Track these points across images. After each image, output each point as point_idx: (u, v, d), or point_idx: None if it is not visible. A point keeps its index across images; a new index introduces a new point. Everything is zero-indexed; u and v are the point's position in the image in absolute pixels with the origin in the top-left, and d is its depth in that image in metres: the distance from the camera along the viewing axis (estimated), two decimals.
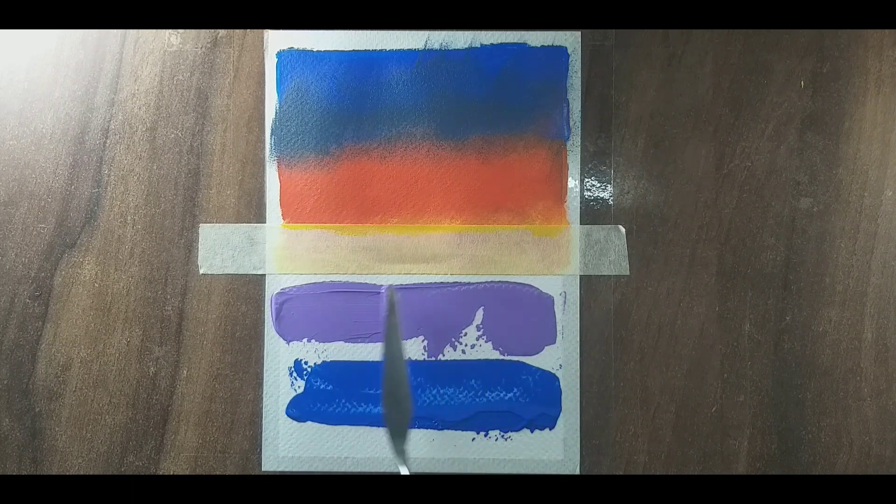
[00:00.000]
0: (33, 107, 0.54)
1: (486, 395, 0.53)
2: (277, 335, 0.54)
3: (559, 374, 0.53)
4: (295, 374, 0.54)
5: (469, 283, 0.54)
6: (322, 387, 0.54)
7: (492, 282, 0.53)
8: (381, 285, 0.53)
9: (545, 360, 0.53)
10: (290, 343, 0.54)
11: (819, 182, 0.53)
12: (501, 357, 0.53)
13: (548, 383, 0.53)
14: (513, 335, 0.53)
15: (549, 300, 0.53)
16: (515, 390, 0.53)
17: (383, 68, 0.54)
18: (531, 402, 0.53)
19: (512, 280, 0.53)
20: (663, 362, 0.53)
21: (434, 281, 0.54)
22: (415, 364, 0.53)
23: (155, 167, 0.54)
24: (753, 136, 0.54)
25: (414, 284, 0.54)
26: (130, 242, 0.54)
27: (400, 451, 0.49)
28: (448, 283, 0.54)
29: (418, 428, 0.53)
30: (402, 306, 0.53)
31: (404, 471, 0.48)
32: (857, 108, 0.53)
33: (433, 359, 0.54)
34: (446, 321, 0.54)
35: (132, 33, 0.54)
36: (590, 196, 0.54)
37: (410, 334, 0.54)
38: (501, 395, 0.53)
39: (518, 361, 0.53)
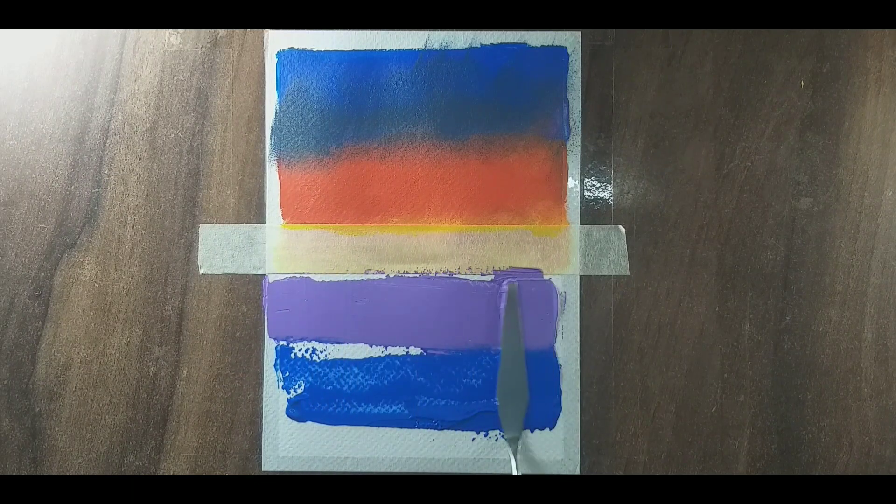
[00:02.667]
0: (33, 107, 0.54)
1: (487, 395, 0.53)
2: (277, 335, 0.54)
3: (559, 374, 0.53)
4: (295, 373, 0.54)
5: (468, 281, 0.53)
6: (322, 387, 0.54)
7: (492, 280, 0.53)
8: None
9: (545, 359, 0.53)
10: (291, 343, 0.54)
11: (819, 182, 0.53)
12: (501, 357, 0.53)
13: (548, 383, 0.53)
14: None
15: (549, 300, 0.53)
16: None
17: (383, 68, 0.54)
18: (531, 402, 0.53)
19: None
20: (663, 362, 0.53)
21: (433, 279, 0.54)
22: (415, 363, 0.54)
23: (155, 167, 0.54)
24: (753, 136, 0.54)
25: (414, 282, 0.54)
26: (130, 242, 0.54)
27: (513, 442, 0.52)
28: (447, 281, 0.54)
29: (418, 428, 0.53)
30: (403, 304, 0.53)
31: (514, 469, 0.51)
32: (857, 108, 0.53)
33: (433, 357, 0.53)
34: (446, 320, 0.54)
35: (132, 33, 0.54)
36: (590, 196, 0.54)
37: (411, 335, 0.54)
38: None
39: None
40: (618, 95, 0.54)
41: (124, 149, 0.54)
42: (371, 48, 0.54)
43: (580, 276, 0.53)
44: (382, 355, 0.54)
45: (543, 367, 0.53)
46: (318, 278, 0.54)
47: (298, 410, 0.53)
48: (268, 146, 0.54)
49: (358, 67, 0.54)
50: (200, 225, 0.54)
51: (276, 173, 0.54)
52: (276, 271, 0.54)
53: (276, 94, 0.54)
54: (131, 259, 0.54)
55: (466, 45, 0.54)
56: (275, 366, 0.53)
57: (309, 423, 0.53)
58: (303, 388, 0.54)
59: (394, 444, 0.53)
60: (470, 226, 0.54)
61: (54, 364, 0.54)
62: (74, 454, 0.54)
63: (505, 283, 0.53)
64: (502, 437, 0.53)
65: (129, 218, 0.54)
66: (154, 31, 0.54)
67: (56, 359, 0.54)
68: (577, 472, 0.53)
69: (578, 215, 0.54)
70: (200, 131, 0.54)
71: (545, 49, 0.54)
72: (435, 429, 0.53)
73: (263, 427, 0.53)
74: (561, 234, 0.54)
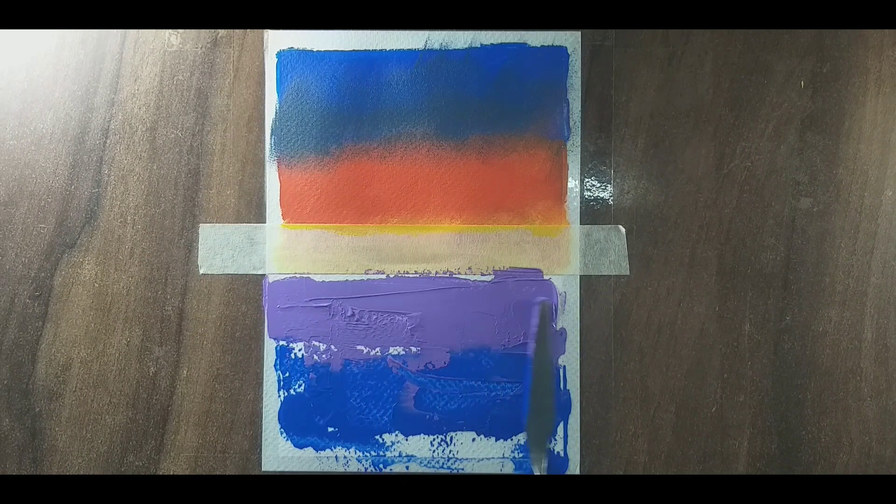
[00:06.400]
0: (33, 107, 0.54)
1: (487, 394, 0.53)
2: (277, 335, 0.54)
3: (559, 374, 0.53)
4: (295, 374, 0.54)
5: (468, 281, 0.54)
6: (322, 387, 0.54)
7: (494, 280, 0.53)
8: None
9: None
10: (290, 343, 0.54)
11: (819, 182, 0.53)
12: (502, 357, 0.53)
13: None
14: (513, 336, 0.53)
15: (550, 300, 0.53)
16: (516, 391, 0.53)
17: (383, 68, 0.54)
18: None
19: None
20: (663, 362, 0.53)
21: (433, 279, 0.54)
22: (415, 364, 0.53)
23: (155, 167, 0.54)
24: (753, 136, 0.54)
25: (414, 282, 0.54)
26: (130, 242, 0.54)
27: (537, 460, 0.52)
28: (447, 281, 0.54)
29: (418, 428, 0.53)
30: (403, 304, 0.53)
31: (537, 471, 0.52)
32: (857, 108, 0.53)
33: (433, 359, 0.54)
34: (446, 320, 0.54)
35: (132, 33, 0.54)
36: (590, 196, 0.54)
37: (410, 335, 0.54)
38: (502, 395, 0.53)
39: (519, 362, 0.53)
40: (618, 95, 0.54)
41: (124, 149, 0.54)
42: (371, 48, 0.54)
43: (580, 276, 0.53)
44: (382, 355, 0.54)
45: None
46: (318, 278, 0.54)
47: (299, 410, 0.53)
48: (268, 146, 0.54)
49: (358, 67, 0.54)
50: (200, 225, 0.54)
51: (276, 173, 0.54)
52: (276, 271, 0.54)
53: (276, 94, 0.54)
54: (131, 259, 0.54)
55: (466, 45, 0.54)
56: (275, 366, 0.53)
57: (309, 423, 0.53)
58: (303, 387, 0.54)
59: (394, 444, 0.53)
60: (470, 226, 0.54)
61: (54, 364, 0.54)
62: (74, 454, 0.54)
63: (538, 300, 0.53)
64: (502, 437, 0.53)
65: (129, 218, 0.54)
66: (154, 31, 0.54)
67: (56, 359, 0.54)
68: (578, 472, 0.53)
69: (578, 215, 0.54)
70: (200, 131, 0.54)
71: (545, 49, 0.54)
72: (435, 429, 0.53)
73: (263, 427, 0.53)
74: (561, 234, 0.54)
